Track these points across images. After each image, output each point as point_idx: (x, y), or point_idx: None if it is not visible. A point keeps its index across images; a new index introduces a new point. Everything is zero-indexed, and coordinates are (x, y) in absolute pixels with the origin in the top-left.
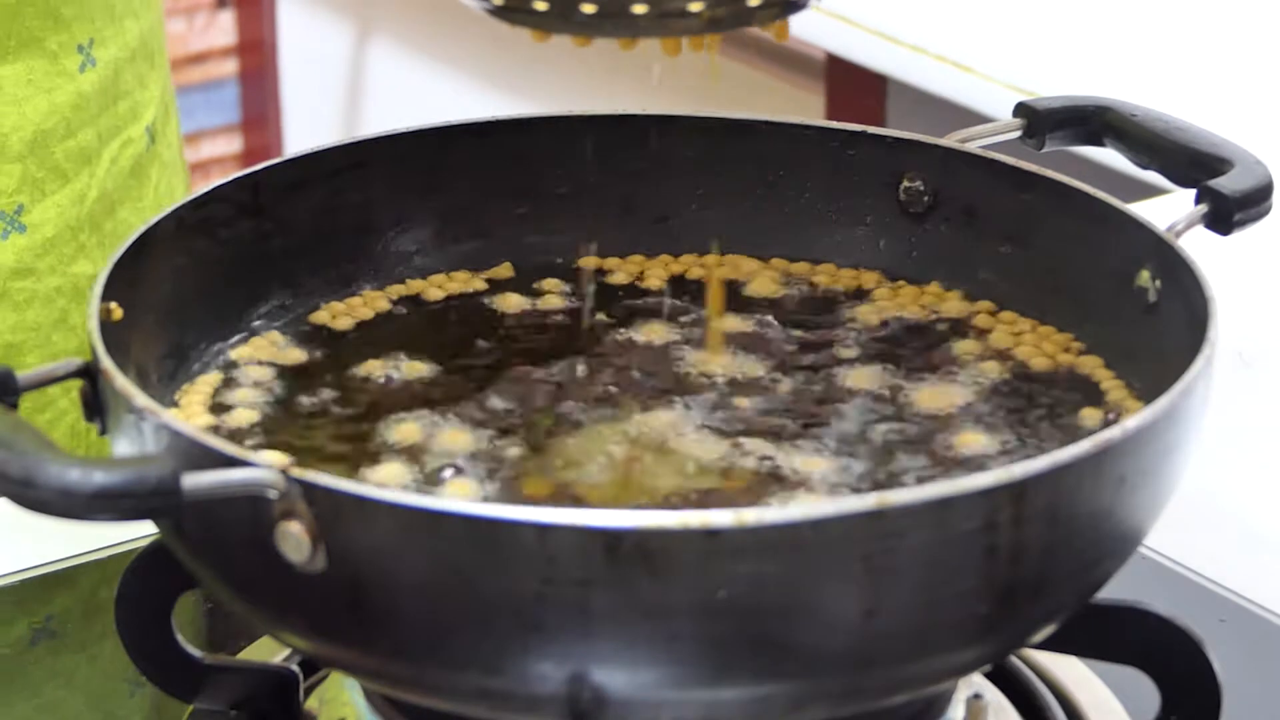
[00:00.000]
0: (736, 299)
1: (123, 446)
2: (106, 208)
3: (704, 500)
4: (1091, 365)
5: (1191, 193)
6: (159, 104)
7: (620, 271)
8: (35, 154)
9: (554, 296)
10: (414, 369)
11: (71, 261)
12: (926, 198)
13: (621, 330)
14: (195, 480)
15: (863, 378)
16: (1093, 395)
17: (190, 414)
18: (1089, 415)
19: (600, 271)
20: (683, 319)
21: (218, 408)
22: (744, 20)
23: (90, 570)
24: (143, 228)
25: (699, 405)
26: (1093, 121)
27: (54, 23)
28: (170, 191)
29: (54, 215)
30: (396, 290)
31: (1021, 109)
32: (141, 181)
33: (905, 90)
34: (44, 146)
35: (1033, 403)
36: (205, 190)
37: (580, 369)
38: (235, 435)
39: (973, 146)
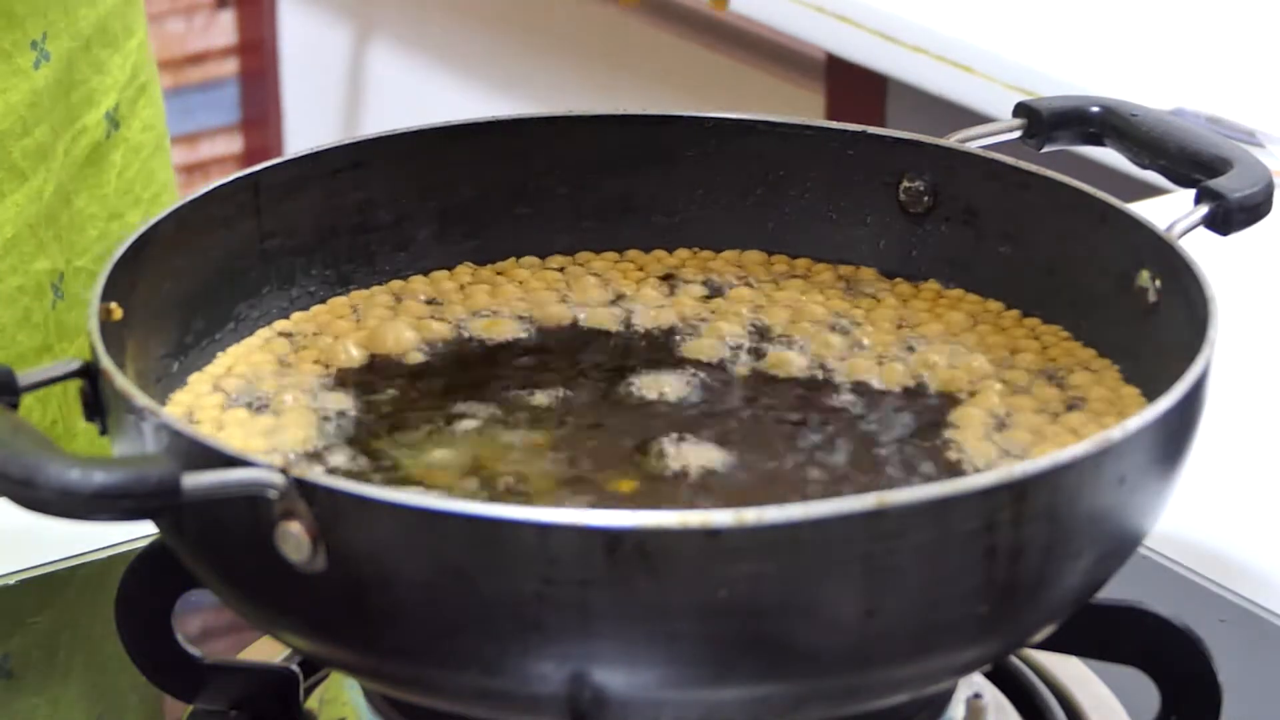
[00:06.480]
0: None
1: (123, 446)
2: (62, 200)
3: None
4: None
5: (1191, 193)
6: (124, 87)
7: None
8: None
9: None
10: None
11: (32, 259)
12: (926, 198)
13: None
14: (195, 480)
15: None
16: None
17: (190, 413)
18: None
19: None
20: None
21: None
22: None
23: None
24: (143, 228)
25: None
26: (1093, 121)
27: (7, 21)
28: (146, 174)
29: (13, 215)
30: (396, 290)
31: (1021, 109)
32: (101, 169)
33: (905, 90)
34: (1, 148)
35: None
36: (205, 190)
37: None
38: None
39: (973, 146)
